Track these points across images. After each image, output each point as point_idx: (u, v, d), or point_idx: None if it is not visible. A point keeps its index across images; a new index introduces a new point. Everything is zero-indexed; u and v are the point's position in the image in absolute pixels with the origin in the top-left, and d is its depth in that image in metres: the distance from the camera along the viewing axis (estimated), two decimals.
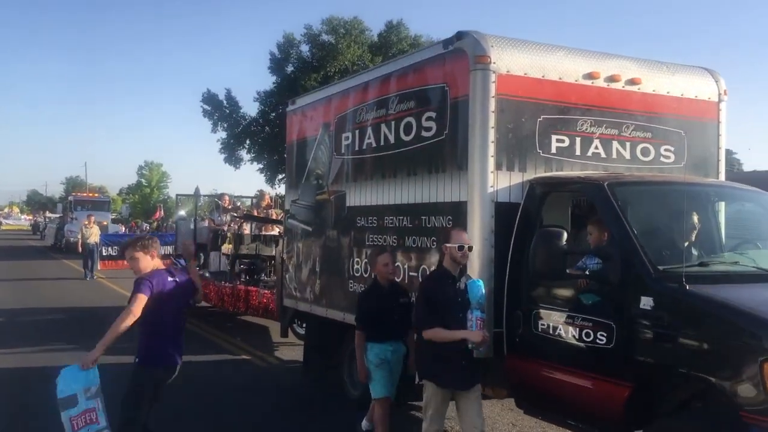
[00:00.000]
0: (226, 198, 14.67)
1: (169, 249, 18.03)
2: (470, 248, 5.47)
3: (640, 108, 6.66)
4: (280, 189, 38.45)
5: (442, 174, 6.45)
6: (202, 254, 15.47)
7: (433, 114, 6.62)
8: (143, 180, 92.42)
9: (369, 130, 7.62)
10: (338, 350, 8.35)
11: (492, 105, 6.04)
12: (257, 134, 39.45)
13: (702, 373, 4.56)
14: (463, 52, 6.22)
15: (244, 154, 40.41)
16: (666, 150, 6.78)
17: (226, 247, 13.17)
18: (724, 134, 7.13)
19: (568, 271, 5.29)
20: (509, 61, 6.14)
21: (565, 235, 5.33)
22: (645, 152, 6.68)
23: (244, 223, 14.44)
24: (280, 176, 40.54)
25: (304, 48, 38.77)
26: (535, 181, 6.08)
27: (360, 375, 6.49)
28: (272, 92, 38.72)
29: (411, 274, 6.83)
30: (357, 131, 7.85)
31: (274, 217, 14.72)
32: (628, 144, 6.59)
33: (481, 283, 5.42)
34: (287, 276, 9.46)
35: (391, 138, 7.23)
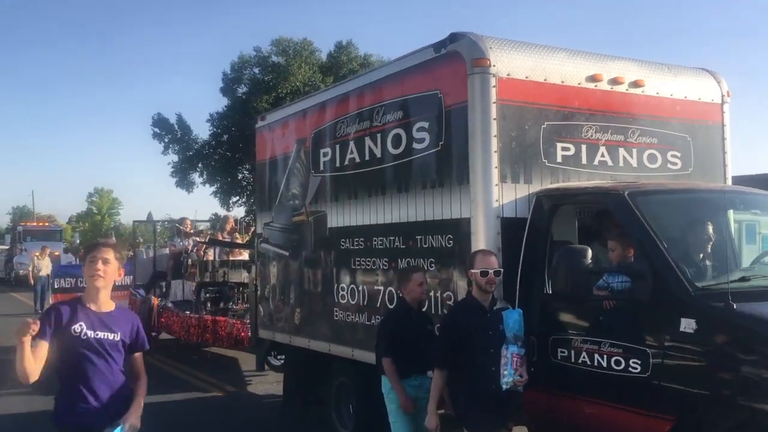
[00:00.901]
0: (188, 222, 13.86)
1: (127, 279, 17.10)
2: (497, 273, 4.88)
3: (644, 111, 6.19)
4: (235, 212, 37.73)
5: (439, 189, 5.87)
6: (162, 283, 14.64)
7: (425, 124, 6.05)
8: (93, 207, 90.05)
9: (351, 145, 7.00)
10: (323, 384, 7.67)
11: (493, 111, 5.49)
12: (209, 157, 38.83)
13: (756, 403, 4.03)
14: (459, 55, 5.67)
15: (196, 177, 39.68)
16: (673, 156, 6.32)
17: (191, 275, 12.35)
18: (728, 137, 6.71)
19: (595, 292, 4.74)
20: (509, 63, 5.61)
21: (590, 252, 4.79)
22: (652, 159, 6.20)
23: (208, 249, 13.65)
24: (234, 199, 39.97)
25: (256, 70, 38.43)
26: (542, 193, 5.54)
27: (404, 404, 5.39)
28: (224, 114, 38.23)
29: None
30: (337, 146, 7.23)
31: (239, 241, 13.98)
32: (634, 150, 6.10)
33: (519, 313, 4.84)
34: (262, 305, 8.74)
35: (378, 152, 6.63)
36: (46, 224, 41.64)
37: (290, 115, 8.27)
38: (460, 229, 5.64)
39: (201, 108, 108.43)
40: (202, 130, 39.94)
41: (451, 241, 5.73)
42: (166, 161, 39.06)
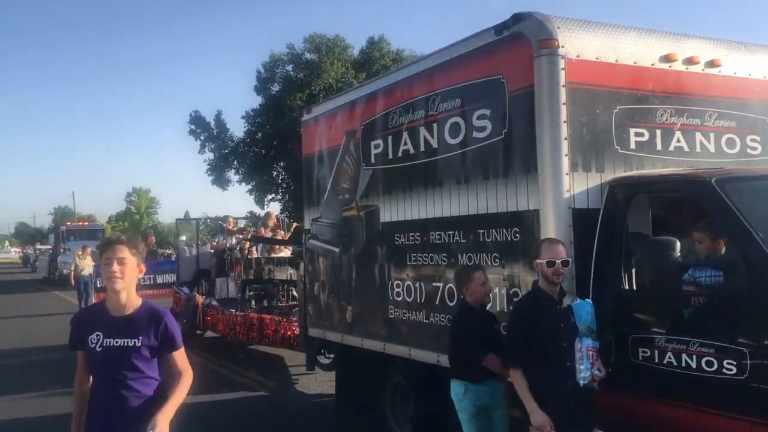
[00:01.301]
0: (231, 220, 13.66)
1: (170, 277, 17.01)
2: (565, 263, 4.50)
3: (721, 93, 5.74)
4: (269, 209, 37.62)
5: (503, 179, 5.51)
6: (204, 281, 14.48)
7: (486, 111, 5.69)
8: (132, 207, 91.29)
9: (405, 136, 6.67)
10: (378, 385, 7.36)
11: (562, 95, 5.11)
12: (245, 155, 38.95)
13: None
14: (523, 36, 5.29)
15: (231, 175, 39.88)
16: (752, 140, 5.86)
17: (236, 273, 12.13)
18: None
19: (684, 287, 4.35)
20: (578, 44, 5.22)
21: (678, 245, 4.40)
22: (730, 144, 5.76)
23: (252, 246, 13.44)
24: (269, 196, 39.89)
25: (289, 67, 38.53)
26: (616, 182, 5.15)
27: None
28: (259, 112, 38.33)
29: None
30: (389, 138, 6.90)
31: (280, 238, 13.74)
32: (711, 135, 5.67)
33: (589, 304, 4.48)
34: (311, 303, 8.46)
35: (434, 142, 6.29)
36: (88, 223, 41.94)
37: (338, 106, 7.95)
38: (527, 221, 5.28)
39: (237, 106, 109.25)
40: (237, 128, 40.23)
41: (517, 235, 5.37)
42: (202, 159, 39.34)
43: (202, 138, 38.72)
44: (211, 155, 38.97)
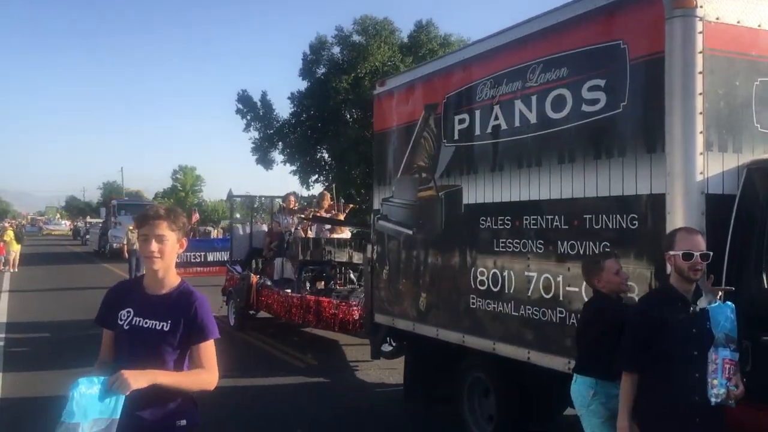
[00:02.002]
0: (292, 198, 13.09)
1: (223, 255, 16.59)
2: (704, 256, 3.79)
3: None
4: (313, 191, 37.56)
5: (619, 159, 4.80)
6: (256, 260, 13.99)
7: (600, 81, 4.97)
8: (178, 184, 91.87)
9: (496, 110, 5.99)
10: (453, 379, 6.75)
11: (698, 63, 4.38)
12: (289, 135, 38.92)
13: None
14: None
15: (276, 155, 39.99)
16: None
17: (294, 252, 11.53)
18: None
19: None
20: (718, 5, 4.47)
21: None
22: None
23: (309, 227, 12.88)
24: (312, 177, 39.64)
25: (335, 50, 38.33)
26: (755, 165, 4.42)
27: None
28: (305, 94, 38.18)
29: (568, 290, 5.19)
30: (477, 112, 6.23)
31: (340, 218, 13.15)
32: None
33: (730, 308, 3.77)
34: (379, 288, 7.85)
35: (532, 117, 5.59)
36: (142, 193, 41.88)
37: (417, 78, 7.28)
38: (649, 207, 4.57)
39: (283, 87, 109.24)
40: (283, 110, 40.39)
41: (635, 222, 4.66)
42: (247, 138, 39.48)
43: (249, 117, 38.80)
44: (256, 134, 39.12)
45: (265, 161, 39.89)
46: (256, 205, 14.62)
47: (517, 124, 5.76)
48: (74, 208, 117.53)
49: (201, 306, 3.25)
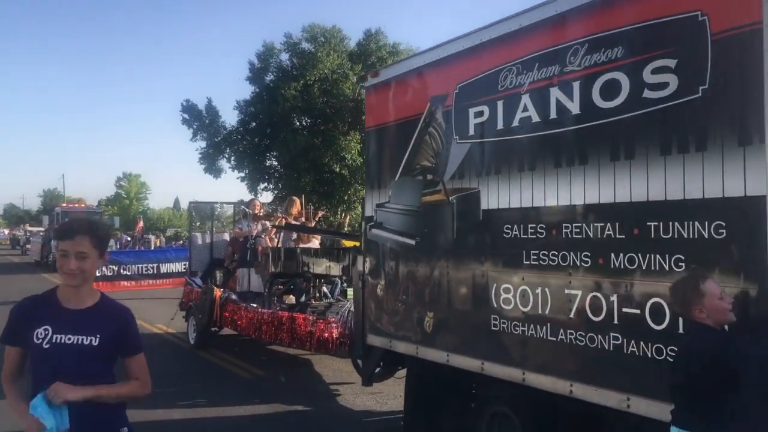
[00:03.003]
0: (257, 203, 11.94)
1: (178, 266, 15.31)
2: None
3: None
4: (262, 198, 37.04)
5: (697, 154, 3.93)
6: (218, 272, 12.82)
7: (669, 62, 4.10)
8: (122, 192, 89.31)
9: (525, 99, 5.08)
10: (468, 412, 5.80)
11: None
12: (237, 143, 38.26)
13: None
14: None
15: (224, 163, 39.24)
16: None
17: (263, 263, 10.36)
18: None
19: None
20: None
21: None
22: None
23: (274, 235, 11.78)
24: (262, 185, 39.06)
25: (284, 57, 38.09)
26: None
27: None
28: (252, 101, 37.60)
29: (627, 312, 4.30)
30: (500, 102, 5.31)
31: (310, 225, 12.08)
32: None
33: None
34: (372, 305, 6.86)
35: (573, 106, 4.70)
36: (85, 205, 39.78)
37: (419, 67, 6.33)
38: (742, 212, 3.71)
39: (229, 95, 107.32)
40: (230, 117, 40.07)
41: (722, 231, 3.79)
42: (194, 147, 38.66)
43: (195, 126, 38.04)
44: (203, 143, 38.45)
45: (213, 170, 39.17)
46: (217, 213, 13.43)
47: (553, 115, 4.86)
48: (13, 216, 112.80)
49: (131, 319, 3.24)
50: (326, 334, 8.89)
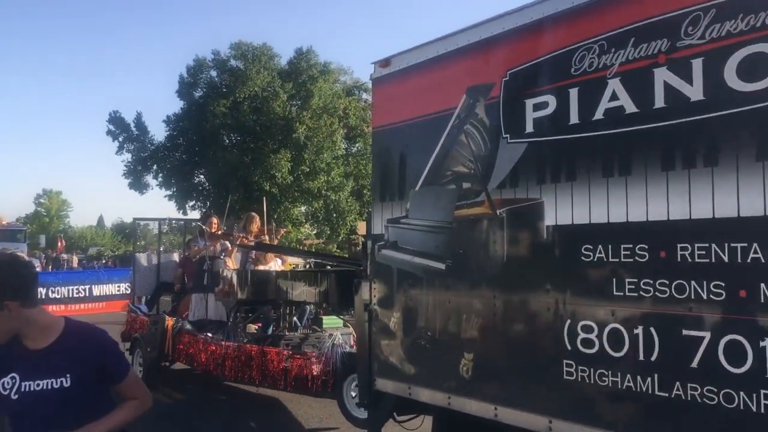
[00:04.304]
0: (215, 221, 10.39)
1: (113, 288, 13.57)
2: None
3: None
4: (191, 216, 36.00)
5: None
6: (166, 297, 11.20)
7: None
8: (42, 209, 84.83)
9: (612, 85, 3.91)
10: None
11: None
12: (165, 159, 37.11)
13: None
14: None
15: (150, 179, 37.97)
16: None
17: (228, 288, 8.80)
18: None
19: None
20: None
21: None
22: None
23: (232, 257, 10.26)
24: (190, 203, 37.67)
25: (213, 73, 37.32)
26: None
27: None
28: (181, 117, 36.70)
29: None
30: (573, 91, 4.12)
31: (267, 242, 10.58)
32: None
33: None
34: (383, 342, 5.52)
35: (694, 92, 3.55)
36: (5, 223, 36.74)
37: (449, 53, 5.07)
38: None
39: (158, 109, 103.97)
40: (158, 132, 38.99)
41: None
42: (120, 160, 37.58)
43: (121, 139, 36.83)
44: (128, 156, 37.26)
45: (139, 185, 37.86)
46: (165, 231, 11.76)
47: (659, 103, 3.69)
48: None
49: (104, 342, 2.81)
50: (305, 371, 7.49)
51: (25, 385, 2.68)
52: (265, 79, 36.07)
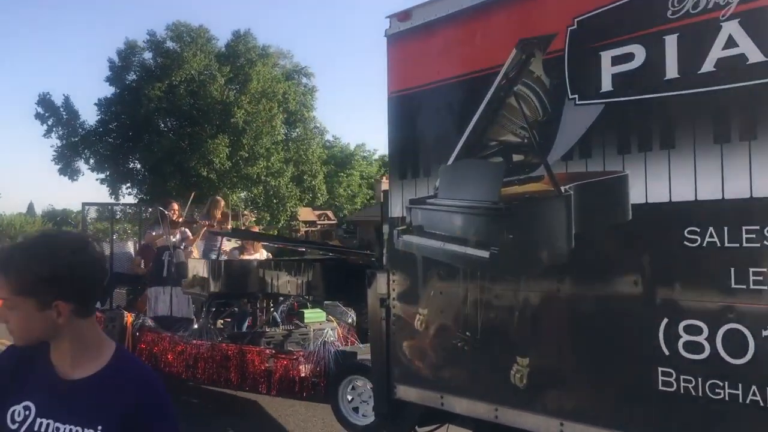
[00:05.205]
0: (175, 206, 9.17)
1: None
2: None
3: None
4: (125, 200, 34.63)
5: None
6: (120, 290, 9.96)
7: None
8: None
9: (728, 29, 3.08)
10: None
11: None
12: (96, 144, 35.30)
13: None
14: None
15: (82, 164, 36.17)
16: None
17: (197, 279, 7.66)
18: None
19: None
20: None
21: None
22: None
23: (194, 246, 9.11)
24: (125, 188, 36.21)
25: (147, 56, 35.88)
26: None
27: None
28: (113, 101, 35.02)
29: None
30: (671, 38, 3.27)
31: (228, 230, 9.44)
32: None
33: None
34: (405, 343, 4.60)
35: None
36: None
37: (489, 1, 4.15)
38: None
39: (88, 94, 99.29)
40: (89, 116, 36.96)
41: None
42: (48, 145, 35.45)
43: (50, 122, 34.94)
44: (58, 142, 35.46)
45: (70, 171, 35.97)
46: (117, 217, 10.42)
47: None
48: None
49: (155, 394, 1.84)
50: (292, 373, 6.50)
51: (42, 424, 1.83)
52: (202, 62, 34.79)
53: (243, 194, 38.59)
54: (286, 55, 40.01)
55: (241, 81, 36.05)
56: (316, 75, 47.93)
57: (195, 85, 35.03)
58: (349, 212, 50.25)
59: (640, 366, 3.35)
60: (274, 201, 37.94)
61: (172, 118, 35.67)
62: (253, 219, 10.66)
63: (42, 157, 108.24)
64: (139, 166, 36.50)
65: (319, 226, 51.35)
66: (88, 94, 71.96)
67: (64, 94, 36.04)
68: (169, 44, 35.33)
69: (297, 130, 39.48)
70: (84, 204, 10.71)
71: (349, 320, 7.69)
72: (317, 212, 50.96)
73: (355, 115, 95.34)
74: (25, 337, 1.83)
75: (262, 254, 8.74)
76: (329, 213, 52.63)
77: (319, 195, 41.30)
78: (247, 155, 35.31)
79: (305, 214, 46.63)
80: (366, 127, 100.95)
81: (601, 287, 3.53)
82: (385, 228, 4.78)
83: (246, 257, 8.42)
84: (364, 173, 52.96)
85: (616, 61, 3.47)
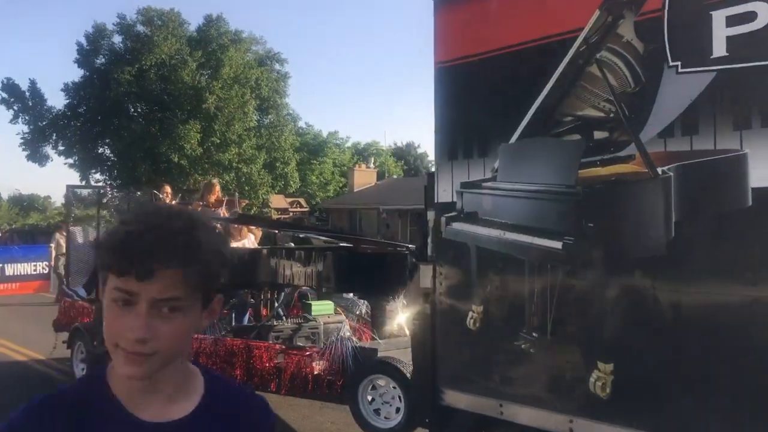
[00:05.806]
0: (167, 189, 8.41)
1: (28, 267, 11.42)
2: None
3: None
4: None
5: None
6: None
7: None
8: None
9: None
10: None
11: None
12: (65, 129, 34.21)
13: None
14: None
15: (50, 150, 34.86)
16: None
17: None
18: None
19: None
20: None
21: None
22: None
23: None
24: (93, 171, 35.12)
25: (117, 39, 34.67)
26: None
27: None
28: (81, 85, 33.85)
29: None
30: None
31: (223, 214, 8.72)
32: None
33: None
34: (454, 343, 4.02)
35: None
36: None
37: None
38: None
39: (55, 77, 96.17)
40: (57, 100, 35.71)
41: None
42: (15, 132, 34.14)
43: (16, 108, 33.47)
44: (25, 127, 34.07)
45: (38, 157, 34.63)
46: (105, 201, 9.61)
47: None
48: None
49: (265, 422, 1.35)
50: (304, 370, 5.89)
51: None
52: (173, 47, 33.67)
53: (215, 181, 37.62)
54: (259, 41, 38.98)
55: (213, 66, 35.01)
56: (289, 61, 46.91)
57: (166, 69, 33.96)
58: (322, 200, 49.39)
59: (761, 375, 2.83)
60: (246, 188, 37.00)
61: (143, 103, 34.73)
62: (246, 204, 10.01)
63: (7, 142, 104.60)
64: (108, 151, 35.43)
65: (291, 214, 50.46)
66: (56, 77, 69.61)
67: (30, 79, 34.42)
68: (140, 28, 34.29)
69: (269, 116, 38.56)
70: (68, 187, 9.85)
71: (358, 312, 7.08)
72: (289, 199, 50.02)
73: (329, 102, 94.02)
74: (175, 353, 1.20)
75: (249, 239, 8.05)
76: (301, 200, 51.72)
77: (291, 182, 40.46)
78: (218, 141, 34.41)
79: (277, 201, 45.67)
80: (339, 114, 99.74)
81: (706, 285, 2.99)
82: (430, 215, 4.17)
83: (234, 244, 7.71)
84: (337, 161, 52.09)
85: (732, 21, 2.92)
